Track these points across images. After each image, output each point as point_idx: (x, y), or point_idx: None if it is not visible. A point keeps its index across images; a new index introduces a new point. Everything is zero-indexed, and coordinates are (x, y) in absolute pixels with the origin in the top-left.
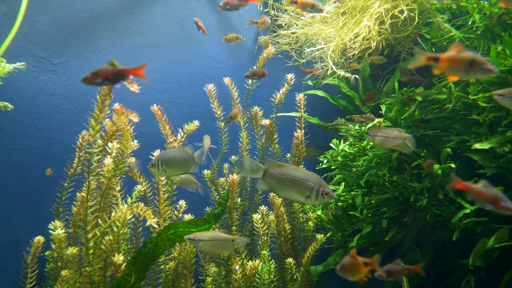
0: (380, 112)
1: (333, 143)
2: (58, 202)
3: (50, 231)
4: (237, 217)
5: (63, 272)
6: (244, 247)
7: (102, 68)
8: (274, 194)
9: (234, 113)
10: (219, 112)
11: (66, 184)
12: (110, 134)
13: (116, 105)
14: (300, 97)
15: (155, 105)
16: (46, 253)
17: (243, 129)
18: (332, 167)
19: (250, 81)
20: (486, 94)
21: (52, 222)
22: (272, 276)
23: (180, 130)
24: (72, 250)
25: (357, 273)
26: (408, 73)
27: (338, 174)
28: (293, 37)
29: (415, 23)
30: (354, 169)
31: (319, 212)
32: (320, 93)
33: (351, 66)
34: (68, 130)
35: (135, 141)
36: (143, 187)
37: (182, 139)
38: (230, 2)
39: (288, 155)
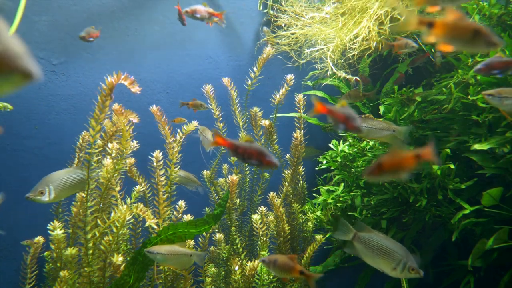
0: (379, 112)
1: (332, 144)
2: (58, 202)
3: (49, 232)
4: (236, 217)
5: (62, 273)
6: (202, 261)
7: None
8: (274, 194)
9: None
10: (217, 113)
11: None
12: (109, 134)
13: (116, 106)
14: (299, 97)
15: (154, 105)
16: (45, 253)
17: (242, 130)
18: (332, 168)
19: (249, 81)
20: None
21: (51, 223)
22: (271, 277)
23: (179, 130)
24: (71, 251)
25: (286, 274)
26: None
27: (338, 175)
28: (292, 38)
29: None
30: (353, 170)
31: (318, 213)
32: (319, 93)
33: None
34: (67, 131)
35: (135, 142)
36: (142, 188)
37: (181, 140)
38: (199, 11)
39: (288, 155)
